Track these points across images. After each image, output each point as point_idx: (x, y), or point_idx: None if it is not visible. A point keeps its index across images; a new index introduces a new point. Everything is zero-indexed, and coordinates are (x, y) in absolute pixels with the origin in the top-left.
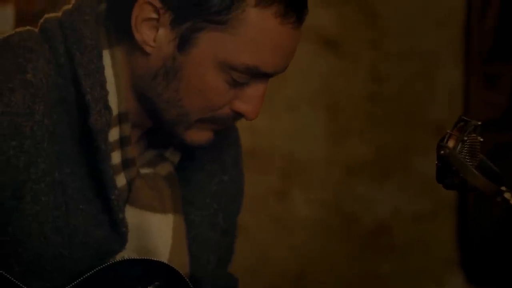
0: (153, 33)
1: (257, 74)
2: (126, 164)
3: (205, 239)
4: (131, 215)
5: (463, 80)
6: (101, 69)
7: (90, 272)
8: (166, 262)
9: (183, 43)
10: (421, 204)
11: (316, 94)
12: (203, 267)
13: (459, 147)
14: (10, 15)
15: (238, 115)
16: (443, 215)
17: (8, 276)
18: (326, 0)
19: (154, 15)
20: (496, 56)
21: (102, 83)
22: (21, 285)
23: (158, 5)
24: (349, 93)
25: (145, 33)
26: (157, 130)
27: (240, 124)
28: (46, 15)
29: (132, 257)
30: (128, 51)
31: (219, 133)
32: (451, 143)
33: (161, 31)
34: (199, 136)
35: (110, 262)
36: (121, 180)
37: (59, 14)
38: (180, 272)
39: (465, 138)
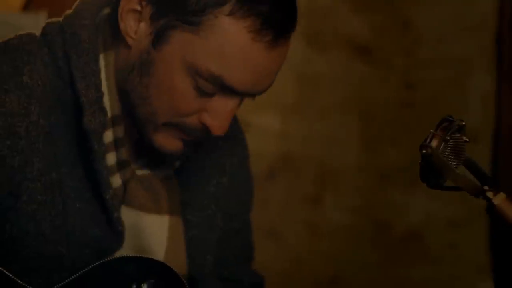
0: (136, 25)
1: (223, 87)
2: (121, 165)
3: (203, 240)
4: (127, 215)
5: (495, 87)
6: (97, 72)
7: (85, 269)
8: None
9: (157, 38)
10: (453, 210)
11: (349, 101)
12: (201, 267)
13: (442, 146)
14: (42, 20)
15: (206, 128)
16: (475, 221)
17: (7, 273)
18: (358, 7)
19: (138, 7)
20: None
21: (97, 86)
22: (21, 282)
23: None
24: (381, 99)
25: (128, 24)
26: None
27: (274, 130)
28: (48, 20)
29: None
30: (116, 51)
31: (221, 137)
32: (434, 143)
33: (142, 24)
34: (167, 142)
35: (105, 259)
36: (116, 181)
37: (61, 19)
38: (175, 270)
39: (448, 138)
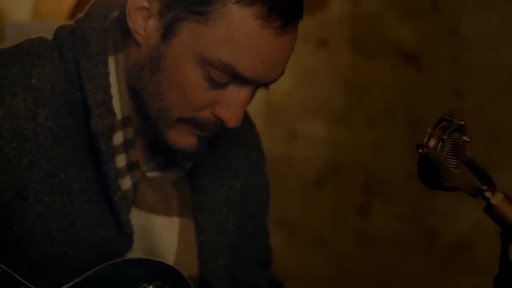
0: (145, 23)
1: (235, 76)
2: (131, 167)
3: (215, 244)
4: (137, 217)
5: None
6: (106, 74)
7: (92, 271)
8: (172, 264)
9: (166, 32)
10: None
11: (396, 108)
12: (212, 270)
13: (439, 146)
14: None
15: (219, 121)
16: None
17: (15, 274)
18: (405, 14)
19: (146, 4)
20: None
21: (106, 88)
22: (27, 283)
23: None
24: (429, 107)
25: (137, 22)
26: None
27: (322, 138)
28: (61, 24)
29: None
30: (126, 51)
31: (233, 140)
32: (431, 143)
33: (151, 20)
34: (181, 139)
35: (112, 261)
36: (126, 183)
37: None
38: (182, 273)
39: (445, 137)
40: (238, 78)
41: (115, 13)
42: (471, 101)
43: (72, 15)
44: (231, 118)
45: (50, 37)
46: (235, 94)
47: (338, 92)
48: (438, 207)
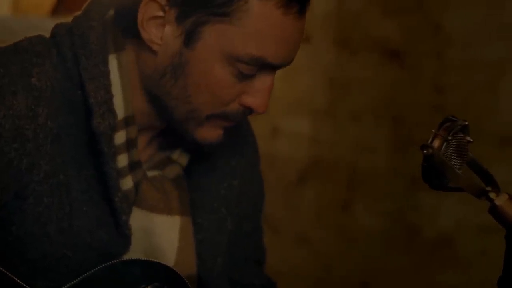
0: (160, 31)
1: (263, 66)
2: (133, 166)
3: (213, 243)
4: (138, 217)
5: None
6: (106, 73)
7: (90, 271)
8: (173, 264)
9: (189, 38)
10: (485, 215)
11: (380, 104)
12: (210, 269)
13: (443, 147)
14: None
15: (248, 110)
16: None
17: (12, 276)
18: (388, 11)
19: (160, 13)
20: None
21: (107, 87)
22: (24, 285)
23: (163, 2)
24: (412, 103)
25: (152, 32)
26: (166, 132)
27: (305, 135)
28: (58, 22)
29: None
30: (136, 53)
31: (231, 138)
32: (435, 143)
33: (168, 28)
34: (210, 134)
35: (111, 262)
36: (128, 183)
37: (70, 20)
38: (180, 274)
39: (450, 138)
40: (266, 67)
41: (111, 12)
42: (454, 97)
43: (53, 10)
44: (261, 104)
45: (33, 33)
46: (262, 81)
47: (322, 89)
48: (420, 204)
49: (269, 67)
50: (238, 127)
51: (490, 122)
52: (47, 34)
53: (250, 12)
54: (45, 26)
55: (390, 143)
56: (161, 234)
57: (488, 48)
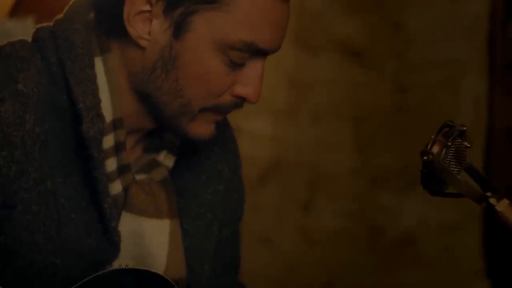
0: (147, 26)
1: (254, 52)
2: (122, 170)
3: (200, 249)
4: (128, 221)
5: (487, 89)
6: (93, 77)
7: (81, 282)
8: (164, 268)
9: (178, 29)
10: (446, 214)
11: (341, 105)
12: (198, 276)
13: (443, 152)
14: (30, 26)
15: (240, 100)
16: (469, 225)
17: None
18: (349, 11)
19: (147, 7)
20: None
21: (94, 91)
22: None
23: None
24: (374, 103)
25: (139, 27)
26: (152, 133)
27: (266, 136)
28: (38, 25)
29: (128, 265)
30: (122, 53)
31: (215, 143)
32: (435, 149)
33: (155, 22)
34: (202, 129)
35: (102, 271)
36: (117, 187)
37: (51, 23)
38: (171, 281)
39: (449, 144)
40: (257, 53)
41: (91, 14)
42: (414, 97)
43: (11, 13)
44: (253, 93)
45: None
46: (253, 69)
47: (283, 89)
48: (382, 203)
49: (259, 54)
50: (222, 133)
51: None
52: (5, 36)
53: None
54: (2, 27)
55: (351, 143)
56: (151, 238)
57: (449, 47)
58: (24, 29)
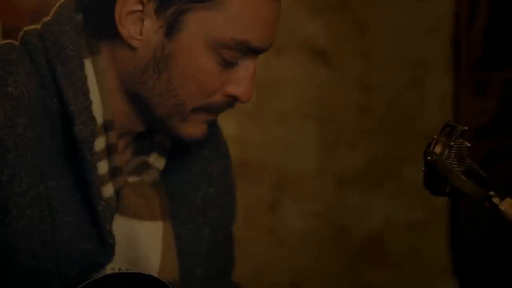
0: (139, 26)
1: (246, 51)
2: (114, 172)
3: (192, 253)
4: (121, 224)
5: (452, 89)
6: (83, 79)
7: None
8: (158, 271)
9: (171, 29)
10: (413, 213)
11: (307, 105)
12: (190, 280)
13: (446, 152)
14: None
15: (231, 100)
16: (435, 223)
17: None
18: (314, 11)
19: (138, 7)
20: (485, 64)
21: (85, 93)
22: None
23: None
24: (339, 104)
25: (130, 27)
26: (142, 135)
27: (232, 136)
28: (26, 28)
29: (121, 269)
30: (113, 54)
31: (206, 145)
32: (438, 149)
33: (147, 21)
34: (195, 129)
35: (98, 276)
36: (109, 190)
37: (38, 26)
38: (167, 284)
39: (452, 144)
40: (249, 52)
41: (79, 16)
42: (380, 97)
43: None
44: (245, 92)
45: None
46: (245, 69)
47: None
48: (349, 203)
49: (252, 52)
50: (211, 134)
51: (416, 120)
52: None
53: None
54: None
55: (317, 143)
56: (144, 241)
57: (413, 47)
58: None
